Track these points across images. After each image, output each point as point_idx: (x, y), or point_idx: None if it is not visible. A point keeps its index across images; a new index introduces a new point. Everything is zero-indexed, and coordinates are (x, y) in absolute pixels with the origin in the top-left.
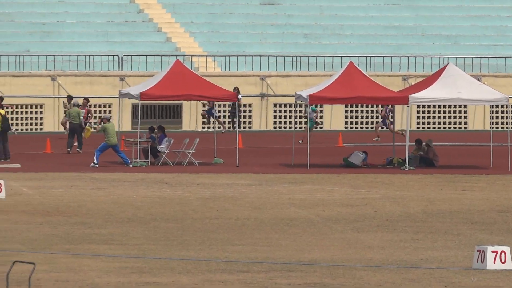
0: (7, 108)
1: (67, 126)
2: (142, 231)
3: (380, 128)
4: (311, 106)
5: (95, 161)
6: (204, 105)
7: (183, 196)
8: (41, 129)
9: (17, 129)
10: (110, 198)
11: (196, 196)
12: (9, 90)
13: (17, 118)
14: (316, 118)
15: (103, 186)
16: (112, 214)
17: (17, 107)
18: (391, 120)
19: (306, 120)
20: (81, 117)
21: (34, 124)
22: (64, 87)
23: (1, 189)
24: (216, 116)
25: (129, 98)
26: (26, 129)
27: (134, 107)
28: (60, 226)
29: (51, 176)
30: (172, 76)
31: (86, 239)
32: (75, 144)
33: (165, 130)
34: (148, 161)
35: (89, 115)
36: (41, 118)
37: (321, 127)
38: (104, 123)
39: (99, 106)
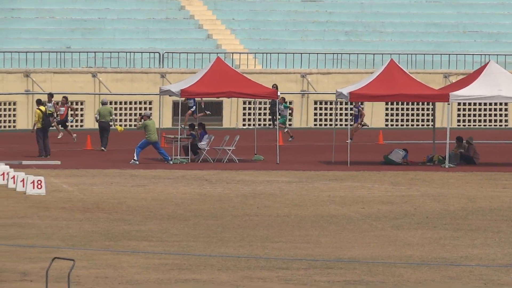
0: None
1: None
2: (182, 228)
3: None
4: (283, 104)
5: (135, 158)
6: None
7: (223, 193)
8: (81, 126)
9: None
10: (150, 195)
11: (236, 193)
12: (50, 87)
13: (58, 115)
14: (291, 115)
15: (143, 183)
16: (152, 211)
17: (58, 104)
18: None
19: (281, 117)
20: (113, 116)
21: (74, 120)
22: (105, 84)
23: (42, 186)
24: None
25: (169, 95)
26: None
27: (175, 104)
28: (100, 223)
29: (91, 173)
30: (213, 73)
31: (126, 236)
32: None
33: (206, 127)
34: (188, 158)
35: (71, 112)
36: (81, 115)
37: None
38: (144, 120)
39: (140, 103)
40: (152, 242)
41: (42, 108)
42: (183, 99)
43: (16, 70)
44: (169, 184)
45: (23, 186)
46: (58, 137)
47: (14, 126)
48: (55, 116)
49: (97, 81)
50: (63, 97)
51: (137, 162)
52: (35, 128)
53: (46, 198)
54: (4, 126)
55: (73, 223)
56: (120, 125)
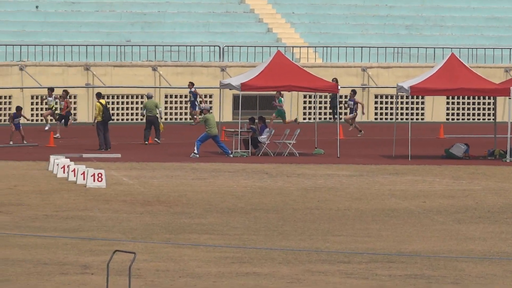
0: None
1: (51, 118)
2: (243, 221)
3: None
4: (280, 98)
5: (195, 151)
6: (186, 96)
7: (283, 186)
8: (141, 119)
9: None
10: (211, 188)
11: (296, 187)
12: (110, 81)
13: (118, 108)
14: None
15: (203, 176)
16: (213, 204)
17: (118, 97)
18: (356, 112)
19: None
20: (159, 109)
21: (135, 114)
22: (165, 78)
23: (102, 179)
24: (197, 108)
25: (230, 89)
26: (127, 119)
27: (235, 98)
28: (160, 216)
29: (151, 166)
30: (273, 67)
31: (186, 229)
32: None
33: (266, 120)
34: (248, 152)
35: (69, 107)
36: (141, 109)
37: (422, 118)
38: (204, 114)
39: (200, 96)
40: (212, 235)
41: (102, 101)
42: (189, 99)
43: (77, 63)
44: (229, 177)
45: (84, 179)
46: (46, 128)
47: (74, 120)
48: (57, 109)
49: (157, 75)
50: (63, 91)
51: (198, 155)
52: (96, 121)
53: (106, 191)
54: None
55: (134, 216)
56: (164, 122)
